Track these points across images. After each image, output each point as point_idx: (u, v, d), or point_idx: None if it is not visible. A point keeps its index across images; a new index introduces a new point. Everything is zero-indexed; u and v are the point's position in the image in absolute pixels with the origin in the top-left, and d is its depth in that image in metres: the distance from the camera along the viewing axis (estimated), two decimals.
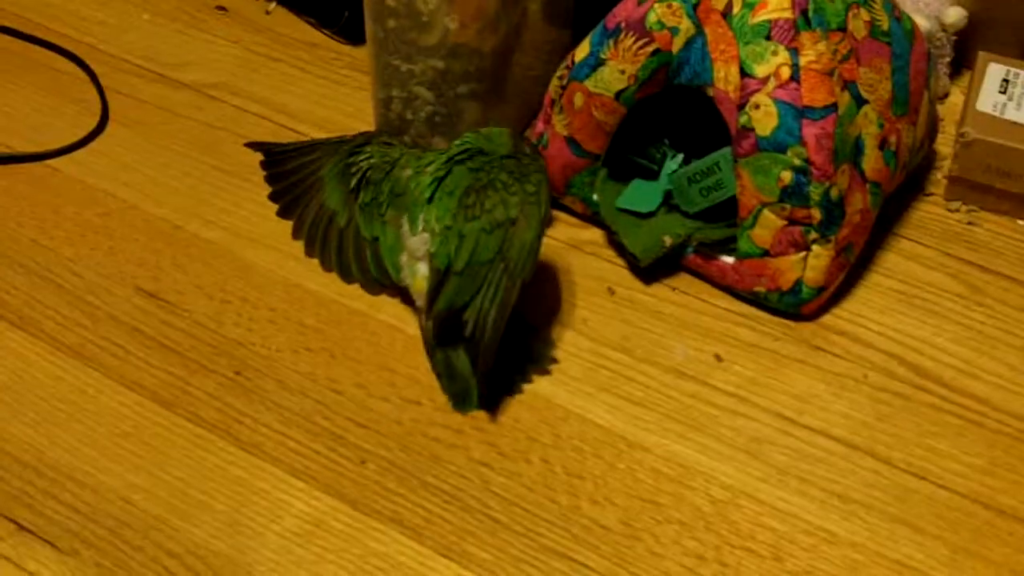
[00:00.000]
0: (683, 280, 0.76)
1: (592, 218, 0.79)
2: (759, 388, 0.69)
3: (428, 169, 0.69)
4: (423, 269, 0.67)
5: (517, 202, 0.66)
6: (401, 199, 0.69)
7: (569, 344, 0.72)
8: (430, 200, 0.67)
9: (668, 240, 0.74)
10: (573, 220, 0.81)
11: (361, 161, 0.72)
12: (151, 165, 0.85)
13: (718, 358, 0.71)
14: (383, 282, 0.70)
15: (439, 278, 0.66)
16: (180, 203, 0.81)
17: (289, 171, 0.75)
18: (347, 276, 0.71)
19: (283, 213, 0.75)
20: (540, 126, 0.80)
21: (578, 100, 0.74)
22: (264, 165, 0.77)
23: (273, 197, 0.75)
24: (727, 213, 0.73)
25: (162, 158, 0.85)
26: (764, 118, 0.68)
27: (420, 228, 0.67)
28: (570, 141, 0.76)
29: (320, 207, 0.73)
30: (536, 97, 0.84)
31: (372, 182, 0.71)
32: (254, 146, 0.79)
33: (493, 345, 0.64)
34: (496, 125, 0.72)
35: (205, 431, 0.66)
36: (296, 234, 0.74)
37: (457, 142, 0.70)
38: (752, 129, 0.68)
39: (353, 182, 0.72)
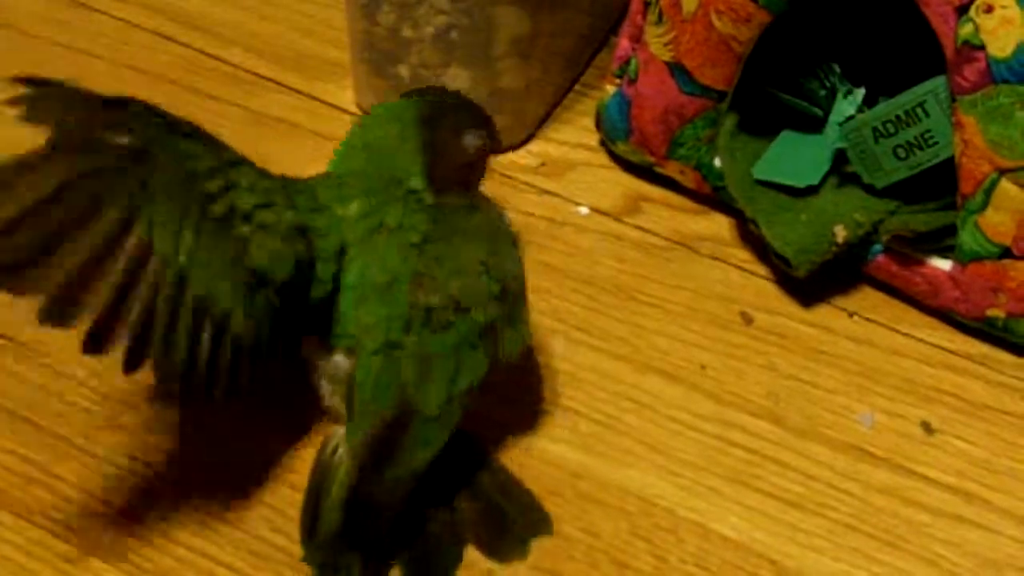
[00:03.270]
0: (866, 299, 0.76)
1: (712, 197, 0.79)
2: (995, 478, 0.69)
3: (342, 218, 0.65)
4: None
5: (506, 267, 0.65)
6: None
7: (677, 406, 0.71)
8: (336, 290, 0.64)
9: (841, 233, 0.73)
10: (681, 201, 0.81)
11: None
12: None
13: (927, 428, 0.71)
14: None
15: (386, 430, 0.63)
16: None
17: None
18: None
19: None
20: (624, 46, 0.80)
21: (689, 2, 0.74)
22: None
23: None
24: (939, 188, 0.73)
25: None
26: (1001, 28, 0.67)
27: (335, 339, 0.65)
28: (675, 69, 0.76)
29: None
30: None
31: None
32: None
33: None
34: (552, 42, 0.72)
35: (79, 552, 0.65)
36: None
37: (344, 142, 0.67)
38: (982, 47, 0.68)
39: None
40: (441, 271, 0.63)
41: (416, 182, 0.65)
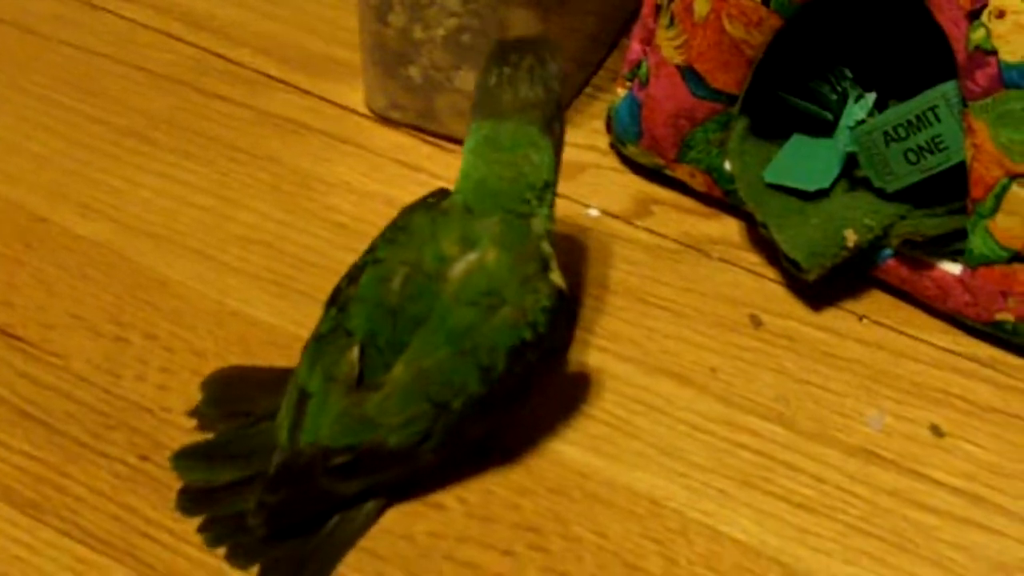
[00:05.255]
0: (876, 303, 0.77)
1: (723, 201, 0.80)
2: (1004, 481, 0.69)
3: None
4: None
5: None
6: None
7: (686, 409, 0.71)
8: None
9: (851, 237, 0.74)
10: (691, 203, 0.81)
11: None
12: None
13: (936, 431, 0.71)
14: None
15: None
16: (44, 180, 0.81)
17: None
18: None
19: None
20: (636, 49, 0.80)
21: (701, 5, 0.74)
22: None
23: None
24: (950, 192, 0.73)
25: (13, 107, 0.85)
26: (1013, 33, 0.67)
27: None
28: (687, 73, 0.76)
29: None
30: (627, 1, 0.83)
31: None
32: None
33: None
34: (562, 45, 0.72)
35: (90, 551, 0.65)
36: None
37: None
38: (993, 52, 0.68)
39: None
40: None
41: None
